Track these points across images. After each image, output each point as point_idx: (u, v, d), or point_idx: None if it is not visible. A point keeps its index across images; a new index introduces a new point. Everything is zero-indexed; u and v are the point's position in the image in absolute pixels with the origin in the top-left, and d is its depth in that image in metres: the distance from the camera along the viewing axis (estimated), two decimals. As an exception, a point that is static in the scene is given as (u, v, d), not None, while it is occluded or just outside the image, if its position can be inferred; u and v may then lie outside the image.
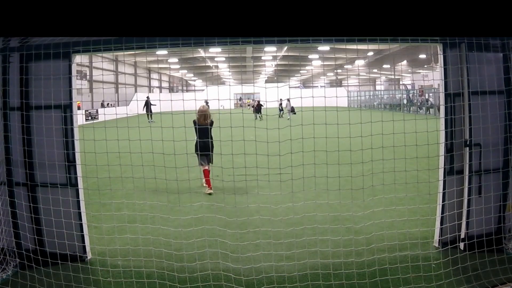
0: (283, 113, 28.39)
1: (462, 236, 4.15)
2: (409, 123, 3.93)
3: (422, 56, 39.34)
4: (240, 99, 50.59)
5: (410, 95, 35.82)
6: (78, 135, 4.16)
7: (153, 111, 26.40)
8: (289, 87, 41.52)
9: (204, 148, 6.78)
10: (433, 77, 35.09)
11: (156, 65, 52.57)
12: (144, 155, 3.84)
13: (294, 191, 5.03)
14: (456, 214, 4.07)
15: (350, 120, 3.85)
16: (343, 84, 65.46)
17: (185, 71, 56.94)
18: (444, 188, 4.15)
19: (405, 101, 35.38)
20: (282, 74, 57.06)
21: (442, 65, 4.09)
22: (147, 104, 26.07)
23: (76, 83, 4.23)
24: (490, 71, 4.05)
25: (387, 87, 58.13)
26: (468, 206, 4.06)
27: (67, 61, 4.00)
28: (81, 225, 4.16)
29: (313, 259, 3.95)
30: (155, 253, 4.05)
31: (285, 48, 36.48)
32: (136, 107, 28.25)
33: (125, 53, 29.69)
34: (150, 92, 49.93)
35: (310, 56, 42.32)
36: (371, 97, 45.07)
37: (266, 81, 61.87)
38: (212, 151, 7.07)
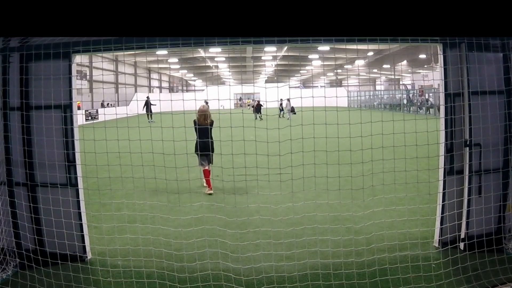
0: (283, 113, 28.39)
1: (462, 236, 4.15)
2: (409, 123, 3.93)
3: (422, 56, 39.33)
4: (240, 99, 50.60)
5: (410, 95, 35.81)
6: (78, 135, 4.16)
7: (153, 111, 26.41)
8: (289, 87, 41.52)
9: (204, 148, 6.77)
10: (433, 77, 35.10)
11: (156, 65, 52.57)
12: (144, 155, 3.84)
13: (294, 191, 5.03)
14: (456, 214, 4.07)
15: (350, 120, 3.85)
16: (343, 84, 65.47)
17: (185, 71, 56.94)
18: (444, 188, 4.15)
19: (405, 101, 35.38)
20: (282, 74, 57.06)
21: (442, 65, 4.09)
22: (147, 104, 26.08)
23: (76, 83, 4.23)
24: (490, 71, 4.05)
25: (387, 87, 58.13)
26: (468, 206, 4.06)
27: (67, 61, 4.00)
28: (81, 225, 4.16)
29: (313, 259, 3.95)
30: (155, 253, 4.05)
31: (285, 48, 36.48)
32: (136, 107, 28.25)
33: (125, 53, 29.69)
34: (150, 92, 49.93)
35: (310, 56, 42.32)
36: (371, 97, 45.07)
37: (266, 81, 61.88)
38: (212, 151, 7.05)
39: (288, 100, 26.79)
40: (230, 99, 7.59)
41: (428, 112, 29.83)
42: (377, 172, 4.38)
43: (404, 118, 4.01)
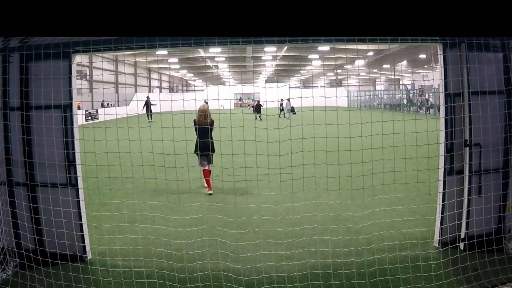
0: (283, 113, 28.36)
1: (462, 236, 4.15)
2: (409, 123, 3.93)
3: (422, 56, 39.33)
4: (240, 99, 50.60)
5: (410, 95, 35.81)
6: (78, 135, 4.16)
7: (153, 111, 26.42)
8: (289, 87, 41.52)
9: (204, 148, 6.75)
10: (433, 77, 35.10)
11: (156, 65, 52.57)
12: (144, 155, 3.84)
13: (294, 191, 5.03)
14: (456, 214, 4.07)
15: (350, 120, 3.85)
16: (343, 84, 65.47)
17: (185, 71, 56.93)
18: (444, 188, 4.15)
19: (405, 101, 35.38)
20: (282, 74, 57.06)
21: (442, 65, 4.09)
22: (147, 104, 26.08)
23: (76, 83, 4.23)
24: (490, 71, 4.05)
25: (387, 87, 58.13)
26: (468, 206, 4.06)
27: (67, 61, 4.00)
28: (81, 225, 4.16)
29: (313, 259, 3.95)
30: (155, 253, 4.05)
31: (285, 48, 36.48)
32: (136, 107, 28.25)
33: (125, 53, 29.70)
34: (150, 92, 49.94)
35: (310, 56, 42.32)
36: (371, 97, 45.07)
37: (266, 81, 61.88)
38: (212, 151, 7.03)
39: (288, 100, 26.80)
40: (230, 99, 7.57)
41: (428, 112, 29.83)
42: (377, 172, 4.38)
43: (404, 118, 4.01)
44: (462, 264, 3.65)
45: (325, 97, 3.97)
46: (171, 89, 67.38)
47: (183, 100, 4.20)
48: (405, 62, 44.95)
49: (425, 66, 43.23)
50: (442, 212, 4.18)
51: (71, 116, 4.06)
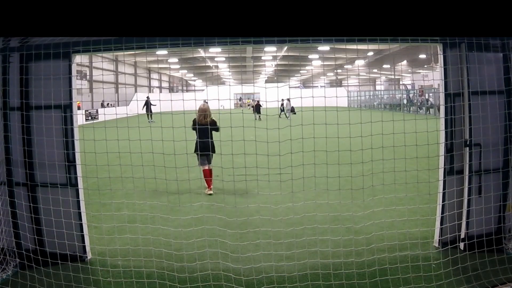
0: (284, 113, 28.33)
1: (462, 236, 4.15)
2: (409, 123, 3.93)
3: (422, 56, 39.34)
4: (240, 99, 50.61)
5: (410, 95, 35.82)
6: (78, 135, 4.16)
7: (153, 111, 26.43)
8: (289, 87, 41.52)
9: (204, 148, 6.73)
10: (433, 77, 35.10)
11: (156, 65, 52.57)
12: (144, 155, 3.84)
13: (294, 191, 5.03)
14: (456, 214, 4.07)
15: (350, 120, 3.85)
16: (343, 84, 65.47)
17: (185, 71, 56.94)
18: (444, 188, 4.15)
19: (405, 101, 35.38)
20: (282, 74, 57.06)
21: (442, 65, 4.09)
22: (147, 104, 26.10)
23: (76, 83, 4.23)
24: (490, 71, 4.05)
25: (387, 87, 58.14)
26: (468, 206, 4.06)
27: (67, 61, 4.00)
28: (81, 225, 4.16)
29: (313, 259, 3.95)
30: (155, 253, 4.05)
31: (285, 48, 36.48)
32: (136, 107, 28.26)
33: (125, 53, 29.70)
34: (150, 92, 49.95)
35: (310, 56, 42.32)
36: (371, 97, 45.07)
37: (266, 81, 61.89)
38: (213, 151, 7.01)
39: (288, 100, 26.79)
40: (230, 99, 7.56)
41: (428, 112, 29.83)
42: (377, 172, 4.38)
43: (404, 118, 4.01)
44: (462, 264, 3.65)
45: (325, 97, 3.97)
46: (171, 89, 67.39)
47: (183, 100, 4.20)
48: (405, 62, 44.96)
49: (425, 66, 43.24)
50: (442, 212, 4.18)
51: (71, 116, 4.06)
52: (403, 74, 54.17)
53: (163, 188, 5.51)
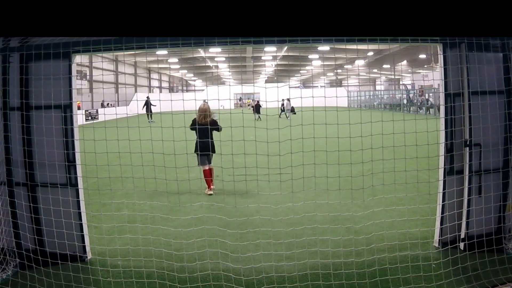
0: (284, 113, 28.30)
1: (462, 236, 4.15)
2: (409, 123, 3.93)
3: (422, 56, 39.35)
4: (240, 99, 50.61)
5: (410, 95, 35.82)
6: (78, 135, 4.16)
7: (153, 111, 26.45)
8: (289, 87, 41.52)
9: (205, 148, 6.71)
10: (433, 77, 35.10)
11: (156, 65, 52.58)
12: (144, 155, 3.84)
13: (294, 191, 5.03)
14: (456, 214, 4.07)
15: (350, 120, 3.85)
16: (343, 84, 65.48)
17: (185, 71, 56.95)
18: (444, 188, 4.15)
19: (405, 101, 35.38)
20: (282, 74, 57.07)
21: (442, 65, 4.09)
22: (147, 104, 26.11)
23: (76, 83, 4.23)
24: (490, 71, 4.04)
25: (387, 87, 58.14)
26: (468, 206, 4.06)
27: (67, 61, 4.00)
28: (81, 225, 4.16)
29: (313, 259, 3.95)
30: (155, 253, 4.05)
31: (285, 48, 36.48)
32: (136, 107, 28.27)
33: (125, 53, 29.71)
34: (150, 92, 49.95)
35: (310, 56, 42.32)
36: (371, 97, 45.08)
37: (266, 81, 61.89)
38: (213, 151, 7.00)
39: (288, 100, 26.78)
40: (230, 99, 7.56)
41: (428, 112, 29.83)
42: (377, 172, 4.38)
43: (404, 118, 4.01)
44: (462, 264, 3.65)
45: (325, 97, 3.97)
46: (171, 89, 67.39)
47: (183, 100, 4.20)
48: (405, 62, 44.97)
49: (425, 66, 43.25)
50: (442, 212, 4.17)
51: (71, 116, 4.06)
52: (403, 74, 54.18)
53: (163, 188, 5.51)
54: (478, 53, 3.95)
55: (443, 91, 4.12)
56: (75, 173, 4.11)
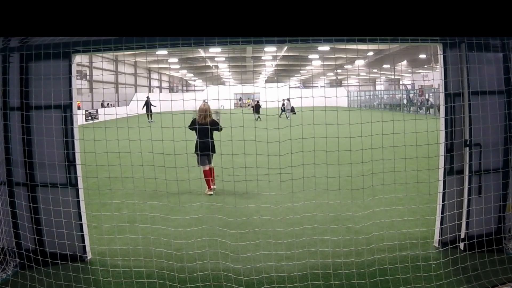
0: (285, 113, 28.28)
1: (462, 236, 4.15)
2: (409, 123, 3.93)
3: (422, 56, 39.35)
4: (240, 99, 50.61)
5: (410, 95, 35.82)
6: (78, 135, 4.16)
7: (153, 111, 26.46)
8: (289, 87, 41.52)
9: (205, 149, 6.71)
10: (433, 77, 35.10)
11: (156, 65, 52.58)
12: (144, 155, 3.84)
13: (294, 191, 5.03)
14: (456, 214, 4.07)
15: (350, 120, 3.85)
16: (343, 84, 65.48)
17: (185, 71, 56.95)
18: (444, 188, 4.15)
19: (405, 101, 35.38)
20: (282, 74, 57.07)
21: (442, 65, 4.09)
22: (147, 104, 26.11)
23: (76, 83, 4.23)
24: (490, 71, 4.04)
25: (387, 87, 58.14)
26: (468, 206, 4.06)
27: (67, 61, 4.00)
28: (81, 225, 4.16)
29: (313, 259, 3.95)
30: (155, 253, 4.05)
31: (285, 48, 36.48)
32: (136, 107, 28.27)
33: (125, 53, 29.70)
34: (150, 92, 49.95)
35: (310, 56, 42.32)
36: (371, 97, 45.07)
37: (266, 81, 61.89)
38: (213, 151, 6.99)
39: (288, 100, 26.76)
40: (230, 99, 7.56)
41: (428, 112, 29.83)
42: (377, 172, 4.38)
43: (404, 118, 4.01)
44: (462, 264, 3.65)
45: (325, 97, 3.97)
46: (171, 89, 67.39)
47: (183, 100, 4.20)
48: (405, 62, 44.97)
49: (425, 66, 43.25)
50: (442, 212, 4.17)
51: (71, 116, 4.06)
52: (403, 74, 54.18)
53: (163, 188, 5.51)
54: (478, 53, 3.95)
55: (443, 91, 4.12)
56: (75, 173, 4.11)
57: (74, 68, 4.12)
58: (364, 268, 3.73)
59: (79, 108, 25.42)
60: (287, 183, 4.45)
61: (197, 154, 6.57)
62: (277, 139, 3.69)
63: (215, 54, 40.71)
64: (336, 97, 4.43)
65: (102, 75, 38.68)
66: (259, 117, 24.29)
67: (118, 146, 4.01)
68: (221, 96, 4.49)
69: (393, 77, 56.50)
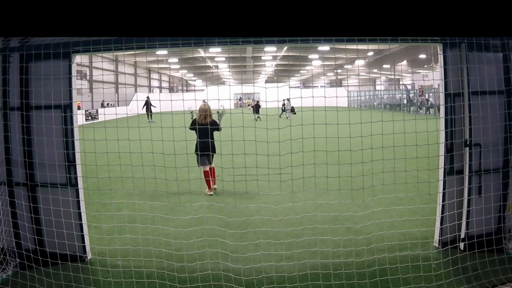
0: (285, 113, 28.27)
1: (462, 236, 4.15)
2: (409, 123, 3.93)
3: (422, 56, 39.34)
4: (240, 99, 50.60)
5: (410, 95, 35.82)
6: (78, 135, 4.16)
7: (153, 111, 26.47)
8: (289, 87, 41.52)
9: (205, 149, 6.70)
10: (433, 77, 35.10)
11: (156, 65, 52.57)
12: (144, 155, 3.84)
13: (294, 191, 5.03)
14: (456, 214, 4.07)
15: (350, 120, 3.85)
16: (343, 84, 65.48)
17: (185, 71, 56.94)
18: (444, 188, 4.15)
19: (405, 101, 35.38)
20: (282, 74, 57.07)
21: (442, 65, 4.09)
22: (147, 104, 26.12)
23: (76, 83, 4.23)
24: (490, 71, 4.04)
25: (387, 87, 58.14)
26: (468, 206, 4.06)
27: (67, 61, 4.00)
28: (81, 225, 4.16)
29: (313, 259, 3.95)
30: (155, 253, 4.05)
31: (285, 48, 36.48)
32: (136, 107, 28.26)
33: (125, 53, 29.71)
34: (150, 92, 49.95)
35: (310, 56, 42.32)
36: (371, 97, 45.07)
37: (266, 81, 61.89)
38: (213, 151, 6.99)
39: (288, 100, 26.75)
40: (230, 99, 7.55)
41: (428, 112, 29.83)
42: (377, 172, 4.38)
43: (404, 118, 4.01)
44: (462, 264, 3.65)
45: (325, 97, 3.97)
46: (171, 89, 67.38)
47: (183, 100, 4.20)
48: (405, 62, 44.97)
49: (425, 66, 43.25)
50: (442, 212, 4.17)
51: (71, 116, 4.06)
52: (403, 74, 54.18)
53: (163, 188, 5.51)
54: (478, 53, 3.95)
55: (443, 91, 4.12)
56: (75, 173, 4.11)
57: (74, 68, 4.12)
58: (364, 268, 3.73)
59: (79, 108, 25.43)
60: (287, 183, 4.45)
61: (197, 154, 6.56)
62: (277, 139, 3.69)
63: (215, 54, 40.71)
64: (336, 97, 4.43)
65: (102, 75, 38.68)
66: (258, 117, 24.25)
67: (118, 146, 4.01)
68: (221, 96, 4.49)
69: (393, 77, 56.51)
